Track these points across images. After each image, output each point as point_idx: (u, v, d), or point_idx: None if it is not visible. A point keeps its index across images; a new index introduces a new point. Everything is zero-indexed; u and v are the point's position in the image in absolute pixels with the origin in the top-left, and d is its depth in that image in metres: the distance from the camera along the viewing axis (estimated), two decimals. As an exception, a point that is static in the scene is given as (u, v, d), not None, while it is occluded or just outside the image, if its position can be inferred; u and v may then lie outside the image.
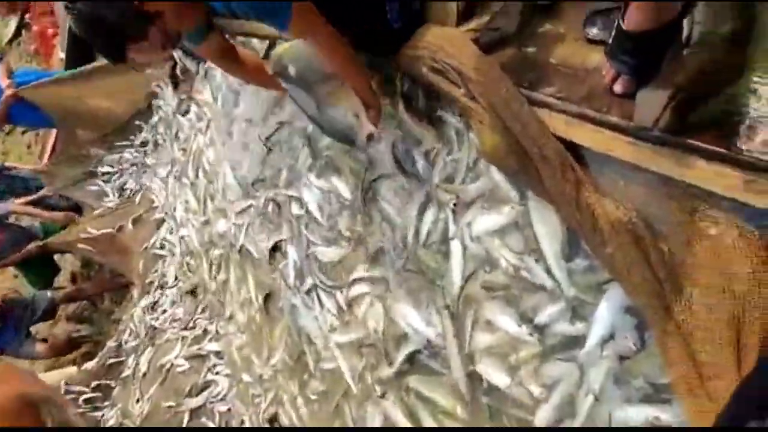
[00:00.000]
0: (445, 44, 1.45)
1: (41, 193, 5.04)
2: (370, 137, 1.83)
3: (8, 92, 3.66)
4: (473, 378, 1.68)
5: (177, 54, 3.19)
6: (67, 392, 3.99)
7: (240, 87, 2.83)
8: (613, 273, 1.26)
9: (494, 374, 1.61)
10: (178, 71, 3.28)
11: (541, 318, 1.51)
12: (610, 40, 1.16)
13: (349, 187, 2.16)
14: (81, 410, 3.95)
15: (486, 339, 1.65)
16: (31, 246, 4.63)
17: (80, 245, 4.38)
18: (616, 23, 1.11)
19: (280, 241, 2.57)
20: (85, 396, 3.97)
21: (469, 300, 1.70)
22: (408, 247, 1.91)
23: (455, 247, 1.72)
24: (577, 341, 1.45)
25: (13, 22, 9.01)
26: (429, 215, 1.84)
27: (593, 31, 1.43)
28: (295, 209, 2.48)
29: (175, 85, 3.36)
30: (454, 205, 1.73)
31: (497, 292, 1.62)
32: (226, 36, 1.99)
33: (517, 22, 1.55)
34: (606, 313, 1.38)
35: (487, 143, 1.42)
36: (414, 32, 1.61)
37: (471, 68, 1.40)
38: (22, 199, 5.09)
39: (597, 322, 1.39)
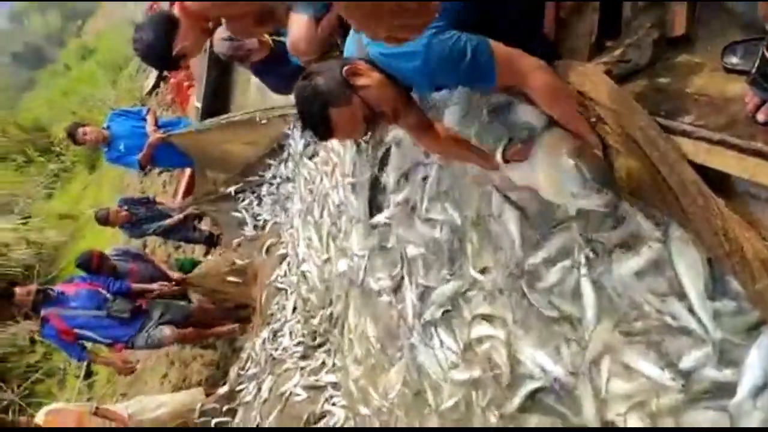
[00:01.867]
0: (583, 79, 1.45)
1: (187, 212, 5.44)
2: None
3: (157, 135, 4.07)
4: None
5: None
6: (202, 414, 4.26)
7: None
8: (764, 312, 1.18)
9: (631, 422, 1.53)
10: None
11: (685, 363, 1.42)
12: (754, 69, 1.13)
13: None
14: (212, 432, 4.22)
15: (623, 385, 1.58)
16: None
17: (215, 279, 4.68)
18: (760, 52, 1.08)
19: (400, 278, 2.60)
20: (217, 419, 4.20)
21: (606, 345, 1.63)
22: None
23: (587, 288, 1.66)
24: (726, 389, 1.35)
25: (153, 75, 10.10)
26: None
27: (733, 60, 1.38)
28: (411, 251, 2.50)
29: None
30: (593, 251, 1.65)
31: (636, 337, 1.55)
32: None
33: (649, 54, 1.53)
34: (758, 358, 1.28)
35: (623, 169, 1.40)
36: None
37: (606, 99, 1.40)
38: (169, 221, 5.51)
39: (748, 368, 1.29)
